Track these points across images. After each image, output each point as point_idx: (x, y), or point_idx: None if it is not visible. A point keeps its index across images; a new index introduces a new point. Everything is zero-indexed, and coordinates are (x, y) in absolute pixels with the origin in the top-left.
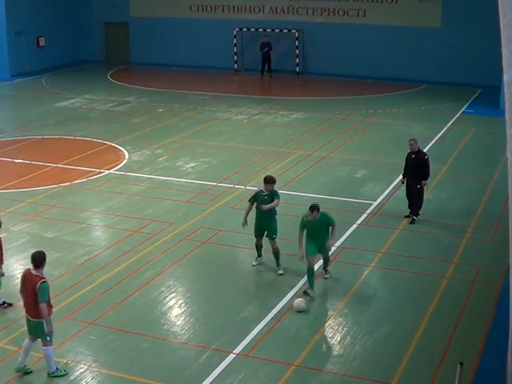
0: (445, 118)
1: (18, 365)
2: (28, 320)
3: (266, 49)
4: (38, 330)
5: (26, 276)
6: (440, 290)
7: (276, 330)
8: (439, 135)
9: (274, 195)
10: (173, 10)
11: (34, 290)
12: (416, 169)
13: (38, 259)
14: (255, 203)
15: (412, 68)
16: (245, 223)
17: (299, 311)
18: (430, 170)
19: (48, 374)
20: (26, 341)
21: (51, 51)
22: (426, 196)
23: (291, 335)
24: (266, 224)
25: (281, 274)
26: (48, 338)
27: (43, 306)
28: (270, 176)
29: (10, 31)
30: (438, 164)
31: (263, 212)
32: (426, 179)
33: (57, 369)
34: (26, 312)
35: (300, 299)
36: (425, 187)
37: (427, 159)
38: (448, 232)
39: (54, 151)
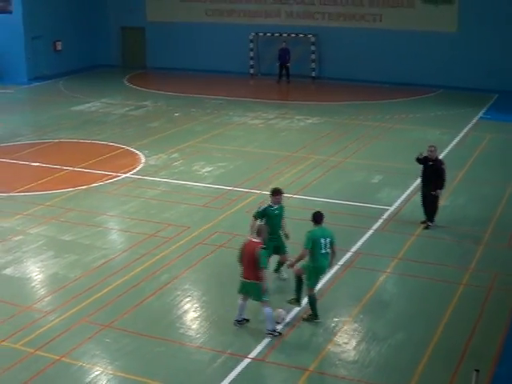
0: (461, 123)
1: (236, 317)
2: (243, 282)
3: (287, 57)
4: (255, 290)
5: (245, 244)
6: (456, 296)
7: (291, 335)
8: (456, 141)
9: (281, 209)
10: (189, 14)
11: (253, 255)
12: (432, 176)
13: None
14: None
15: (428, 73)
16: None
17: (278, 322)
18: (446, 179)
19: (267, 331)
20: (240, 301)
21: (68, 55)
22: (442, 202)
23: (306, 340)
24: (277, 240)
25: (284, 279)
26: (265, 299)
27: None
28: (277, 188)
29: (28, 35)
30: (455, 170)
31: (276, 228)
32: (440, 188)
33: (274, 330)
34: (242, 275)
35: (281, 310)
36: (439, 195)
37: (444, 169)
38: (464, 238)
39: (71, 155)
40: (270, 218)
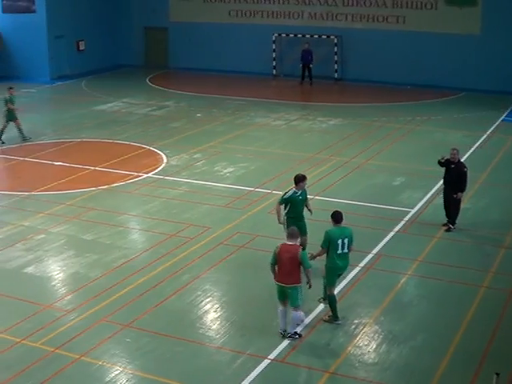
0: (484, 125)
1: (281, 328)
2: (282, 287)
3: (310, 58)
4: (294, 296)
5: (282, 249)
6: (477, 299)
7: (311, 337)
8: (478, 143)
9: (305, 193)
10: (212, 15)
11: (294, 258)
12: (454, 179)
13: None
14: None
15: (451, 75)
16: (283, 222)
17: (297, 324)
18: (468, 182)
19: (286, 333)
20: (281, 308)
21: (91, 55)
22: (464, 205)
23: (326, 342)
24: (301, 222)
25: None
26: (300, 303)
27: (310, 270)
28: (300, 174)
29: (51, 35)
30: (477, 172)
31: (300, 212)
32: (462, 191)
33: (295, 333)
34: (281, 280)
35: (300, 312)
36: (461, 198)
37: (466, 172)
38: (486, 241)
39: (93, 154)
40: (295, 204)
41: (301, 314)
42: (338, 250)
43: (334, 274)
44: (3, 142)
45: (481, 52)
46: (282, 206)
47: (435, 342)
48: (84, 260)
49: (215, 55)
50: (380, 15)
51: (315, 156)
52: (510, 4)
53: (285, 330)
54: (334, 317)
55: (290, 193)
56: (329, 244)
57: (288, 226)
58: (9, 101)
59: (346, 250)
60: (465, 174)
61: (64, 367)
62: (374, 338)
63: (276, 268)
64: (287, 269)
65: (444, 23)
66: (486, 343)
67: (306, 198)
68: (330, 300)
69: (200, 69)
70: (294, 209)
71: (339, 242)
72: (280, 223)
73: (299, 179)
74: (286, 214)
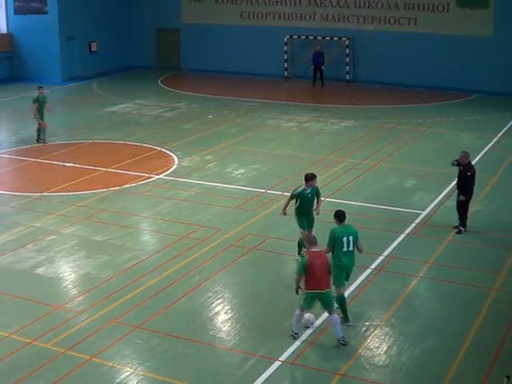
0: (495, 128)
1: (295, 330)
2: (319, 294)
3: (321, 60)
4: (330, 300)
5: (312, 257)
6: (488, 301)
7: (322, 339)
8: (489, 146)
9: (316, 190)
10: (224, 16)
11: (324, 264)
12: (460, 181)
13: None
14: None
15: (462, 77)
16: (284, 214)
17: (307, 326)
18: (473, 185)
19: (338, 339)
20: (299, 313)
21: (103, 56)
22: (474, 208)
23: (337, 344)
24: (309, 216)
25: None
26: (336, 306)
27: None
28: (311, 173)
29: (63, 36)
30: (488, 175)
31: (309, 208)
32: (464, 195)
33: (343, 337)
34: (317, 288)
35: (309, 314)
36: (463, 200)
37: (470, 176)
38: (496, 243)
39: (104, 155)
40: (304, 200)
41: (310, 316)
42: (343, 247)
43: (340, 272)
44: (43, 141)
45: (492, 54)
46: (293, 201)
47: (446, 344)
48: (95, 261)
49: (227, 57)
50: (392, 17)
51: (326, 158)
52: None
53: (296, 333)
54: (344, 318)
55: (300, 189)
56: (334, 243)
57: (298, 220)
58: (35, 100)
59: (351, 248)
60: (468, 177)
61: (75, 368)
62: (385, 340)
63: (304, 278)
64: (321, 275)
65: (456, 25)
66: (496, 346)
67: (318, 196)
68: (340, 301)
69: (212, 70)
70: (302, 204)
71: (344, 239)
72: (279, 214)
73: (308, 178)
74: (296, 208)
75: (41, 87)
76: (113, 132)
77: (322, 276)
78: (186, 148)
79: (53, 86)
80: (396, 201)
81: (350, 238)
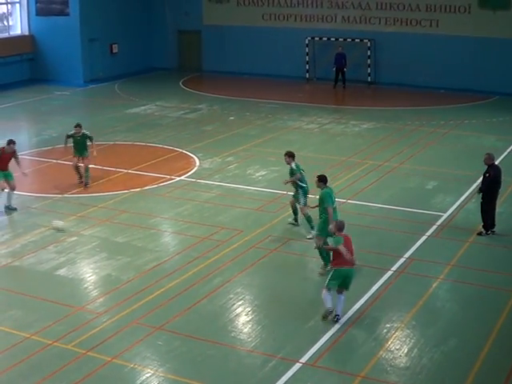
0: None
1: (330, 307)
2: (350, 271)
3: (343, 62)
4: (352, 279)
5: (345, 239)
6: (509, 303)
7: (343, 341)
8: (511, 147)
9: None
10: (245, 18)
11: (351, 244)
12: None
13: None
14: None
15: (484, 79)
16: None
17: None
18: (499, 190)
19: (335, 315)
20: (330, 292)
21: (124, 58)
22: (497, 209)
23: (358, 346)
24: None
25: (309, 238)
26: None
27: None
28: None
29: (84, 38)
30: (509, 177)
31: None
32: (478, 192)
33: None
34: (348, 264)
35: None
36: (480, 200)
37: (486, 177)
38: None
39: (126, 157)
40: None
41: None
42: (334, 204)
43: (327, 226)
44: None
45: None
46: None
47: (467, 346)
48: (116, 262)
49: (248, 58)
50: (413, 19)
51: (348, 160)
52: None
53: (332, 310)
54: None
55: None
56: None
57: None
58: (69, 137)
59: (335, 205)
60: (486, 178)
61: (96, 369)
62: (406, 343)
63: (333, 256)
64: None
65: (477, 27)
66: None
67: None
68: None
69: (233, 72)
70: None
71: (334, 198)
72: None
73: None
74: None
75: (77, 126)
76: (134, 133)
77: (350, 254)
78: (207, 150)
79: (75, 87)
80: (417, 203)
81: (334, 196)
